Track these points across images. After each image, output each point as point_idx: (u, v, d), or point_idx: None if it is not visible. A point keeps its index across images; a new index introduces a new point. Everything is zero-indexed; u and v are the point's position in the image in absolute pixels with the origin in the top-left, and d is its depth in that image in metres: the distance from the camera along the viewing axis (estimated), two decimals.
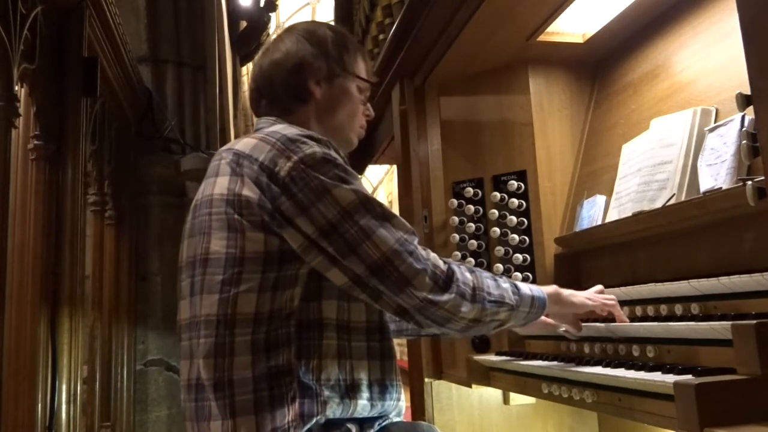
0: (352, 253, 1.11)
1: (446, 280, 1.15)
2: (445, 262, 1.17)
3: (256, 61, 1.39)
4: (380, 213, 1.14)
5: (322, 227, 1.11)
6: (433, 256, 1.17)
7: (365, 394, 1.19)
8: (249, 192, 1.13)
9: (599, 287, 1.47)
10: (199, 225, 1.20)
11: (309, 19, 12.80)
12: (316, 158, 1.14)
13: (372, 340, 1.22)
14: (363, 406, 1.19)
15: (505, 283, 1.25)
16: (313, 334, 1.15)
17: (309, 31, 1.37)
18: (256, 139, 1.19)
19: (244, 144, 1.20)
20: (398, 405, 1.26)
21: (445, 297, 1.14)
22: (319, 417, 1.12)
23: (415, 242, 1.16)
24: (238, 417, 1.09)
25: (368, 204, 1.14)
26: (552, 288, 1.37)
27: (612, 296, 1.44)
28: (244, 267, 1.12)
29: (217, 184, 1.18)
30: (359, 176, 1.20)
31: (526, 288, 1.29)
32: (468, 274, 1.19)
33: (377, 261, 1.11)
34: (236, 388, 1.10)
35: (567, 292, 1.39)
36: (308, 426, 1.11)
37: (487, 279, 1.22)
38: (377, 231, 1.12)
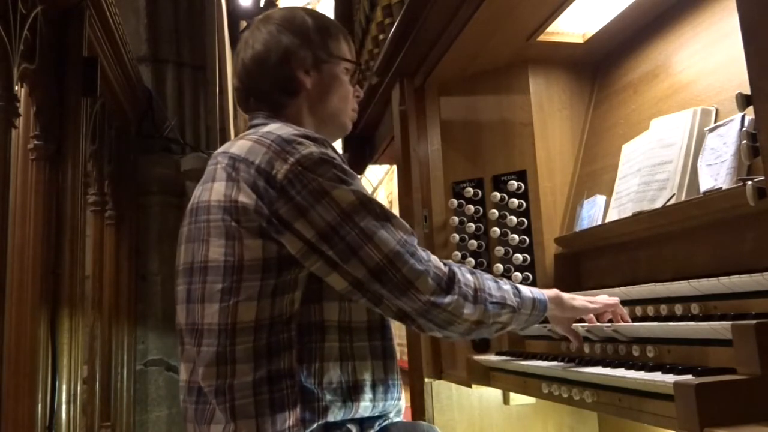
0: (353, 257, 1.09)
1: (448, 282, 1.13)
2: (445, 264, 1.16)
3: (238, 56, 1.33)
4: (380, 214, 1.12)
5: (322, 230, 1.09)
6: (433, 258, 1.15)
7: (368, 395, 1.18)
8: (245, 198, 1.11)
9: (604, 296, 1.46)
10: (196, 231, 1.18)
11: None
12: (313, 159, 1.12)
13: (374, 339, 1.21)
14: (365, 407, 1.18)
15: (506, 285, 1.24)
16: (315, 338, 1.14)
17: (287, 19, 1.33)
18: (251, 141, 1.16)
19: (239, 147, 1.17)
20: (398, 404, 1.26)
21: (448, 299, 1.12)
22: (320, 422, 1.12)
23: (415, 243, 1.15)
24: (239, 420, 1.09)
25: (368, 205, 1.12)
26: (553, 291, 1.35)
27: (615, 298, 1.42)
28: (243, 275, 1.11)
29: (214, 189, 1.16)
30: (358, 176, 1.19)
31: (527, 290, 1.27)
32: (469, 276, 1.18)
33: (379, 264, 1.09)
34: (236, 392, 1.10)
35: (568, 296, 1.37)
36: (309, 430, 1.10)
37: (488, 281, 1.21)
38: (378, 233, 1.10)
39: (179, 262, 1.24)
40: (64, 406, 2.10)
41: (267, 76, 1.29)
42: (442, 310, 1.12)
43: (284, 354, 1.11)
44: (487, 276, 1.22)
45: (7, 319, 1.87)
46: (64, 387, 2.10)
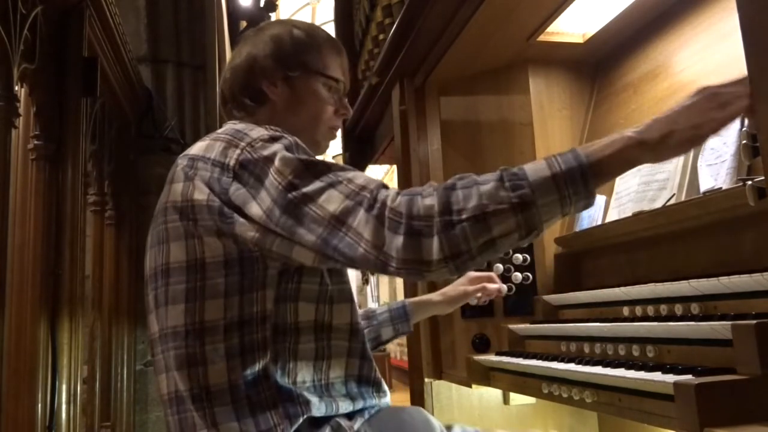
0: (300, 226, 1.02)
1: (398, 223, 0.96)
2: (397, 195, 0.99)
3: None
4: (325, 172, 1.04)
5: (268, 208, 1.03)
6: (387, 197, 0.99)
7: (342, 391, 1.17)
8: (199, 195, 1.09)
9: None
10: (157, 235, 1.16)
11: (309, 19, 12.80)
12: (263, 138, 1.10)
13: (352, 341, 1.19)
14: (344, 405, 1.16)
15: (488, 185, 0.95)
16: (289, 338, 1.11)
17: (267, 30, 1.33)
18: (208, 139, 1.17)
19: (198, 147, 1.17)
20: (382, 402, 1.23)
21: (401, 244, 0.94)
22: (305, 416, 1.10)
23: (369, 193, 1.01)
24: (221, 426, 1.07)
25: (313, 167, 1.05)
26: (624, 137, 0.95)
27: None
28: (206, 273, 1.09)
29: (172, 191, 1.15)
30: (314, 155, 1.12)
31: (543, 166, 0.95)
32: (427, 200, 0.96)
33: (327, 226, 1.00)
34: (214, 399, 1.07)
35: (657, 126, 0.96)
36: (296, 426, 1.09)
37: (458, 191, 0.96)
38: (323, 194, 1.02)
39: (146, 269, 1.20)
40: (64, 406, 2.10)
41: (237, 83, 1.30)
42: (401, 262, 0.95)
43: (259, 354, 1.09)
44: (461, 183, 0.97)
45: (7, 319, 1.87)
46: (64, 387, 2.10)
